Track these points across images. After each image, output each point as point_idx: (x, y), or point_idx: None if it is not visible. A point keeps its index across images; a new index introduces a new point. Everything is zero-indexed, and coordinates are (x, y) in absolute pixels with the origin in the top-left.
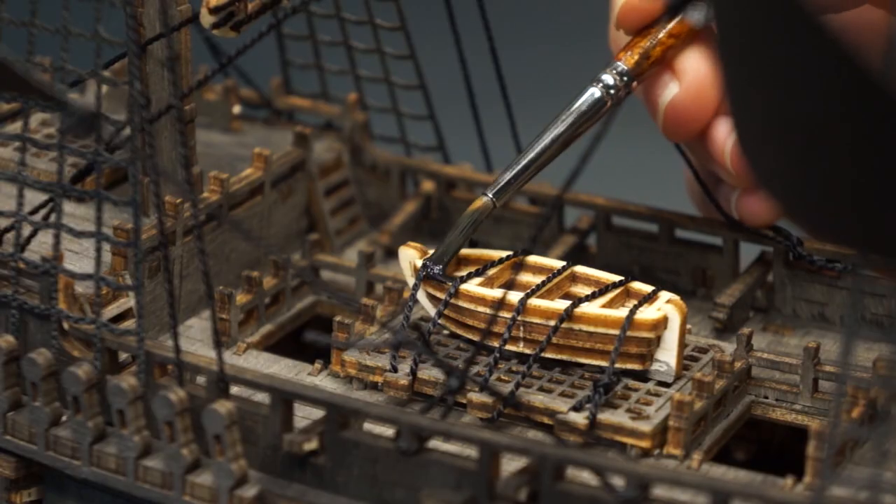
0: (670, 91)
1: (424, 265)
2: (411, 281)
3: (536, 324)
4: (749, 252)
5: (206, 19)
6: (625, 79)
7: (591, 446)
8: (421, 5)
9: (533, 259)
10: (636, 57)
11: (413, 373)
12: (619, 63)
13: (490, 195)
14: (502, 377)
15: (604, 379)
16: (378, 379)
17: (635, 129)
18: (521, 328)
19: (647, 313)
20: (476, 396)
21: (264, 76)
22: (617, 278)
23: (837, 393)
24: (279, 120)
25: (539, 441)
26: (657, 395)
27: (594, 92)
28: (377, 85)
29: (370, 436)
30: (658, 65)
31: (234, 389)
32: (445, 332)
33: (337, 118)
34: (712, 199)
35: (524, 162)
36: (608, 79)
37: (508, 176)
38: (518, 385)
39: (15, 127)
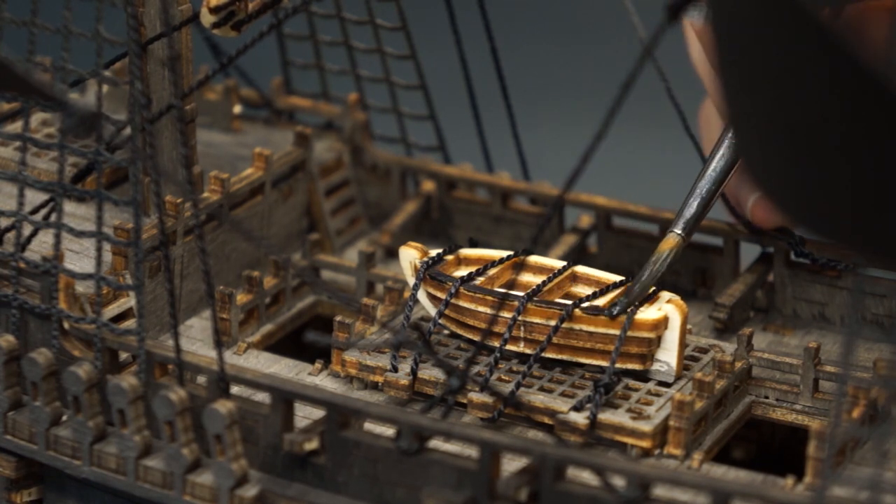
0: None
1: (614, 306)
2: (412, 281)
3: (537, 324)
4: (749, 252)
5: (207, 19)
6: None
7: (591, 446)
8: (421, 5)
9: (533, 259)
10: None
11: (413, 373)
12: None
13: (678, 231)
14: (503, 377)
15: (604, 379)
16: (378, 379)
17: (636, 130)
18: (522, 328)
19: (647, 313)
20: (476, 396)
21: (265, 76)
22: (618, 278)
23: (838, 393)
24: (280, 120)
25: (539, 441)
26: (658, 395)
27: None
28: (378, 85)
29: (371, 436)
30: None
31: (235, 389)
32: (446, 331)
33: (337, 118)
34: (735, 212)
35: (703, 193)
36: None
37: (693, 210)
38: (518, 385)
39: (15, 126)
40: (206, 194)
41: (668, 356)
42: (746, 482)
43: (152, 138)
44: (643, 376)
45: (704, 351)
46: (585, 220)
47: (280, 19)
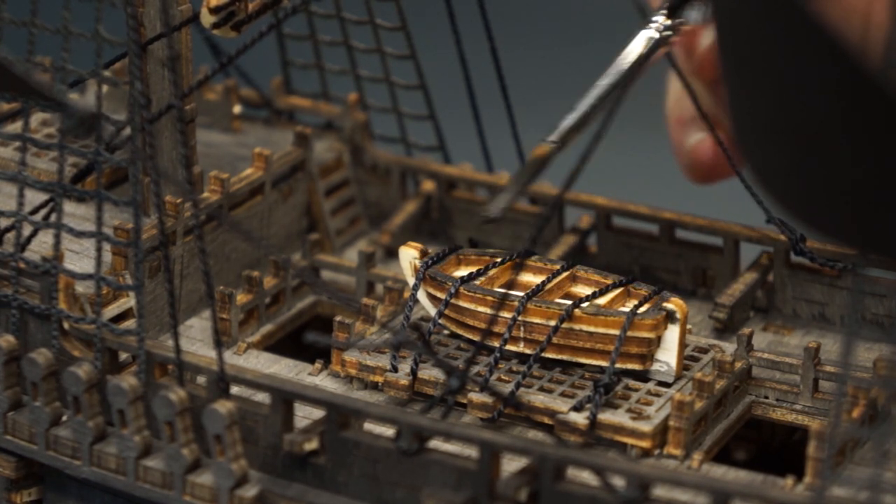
0: (711, 33)
1: (488, 217)
2: (411, 281)
3: (537, 324)
4: (749, 252)
5: (207, 19)
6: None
7: (591, 446)
8: (421, 5)
9: (533, 259)
10: None
11: (413, 373)
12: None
13: (552, 140)
14: (503, 377)
15: (604, 379)
16: (378, 379)
17: (635, 130)
18: (522, 328)
19: (647, 313)
20: (476, 396)
21: (265, 76)
22: (618, 278)
23: (838, 393)
24: (280, 120)
25: (539, 441)
26: (657, 395)
27: (647, 34)
28: (378, 85)
29: (370, 436)
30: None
31: (235, 389)
32: (446, 332)
33: (337, 118)
34: (783, 226)
35: (582, 108)
36: (660, 20)
37: (568, 122)
38: (518, 385)
39: (15, 127)
40: (206, 194)
41: (668, 356)
42: (746, 482)
43: (152, 138)
44: (643, 376)
45: (704, 351)
46: (585, 220)
47: (280, 19)
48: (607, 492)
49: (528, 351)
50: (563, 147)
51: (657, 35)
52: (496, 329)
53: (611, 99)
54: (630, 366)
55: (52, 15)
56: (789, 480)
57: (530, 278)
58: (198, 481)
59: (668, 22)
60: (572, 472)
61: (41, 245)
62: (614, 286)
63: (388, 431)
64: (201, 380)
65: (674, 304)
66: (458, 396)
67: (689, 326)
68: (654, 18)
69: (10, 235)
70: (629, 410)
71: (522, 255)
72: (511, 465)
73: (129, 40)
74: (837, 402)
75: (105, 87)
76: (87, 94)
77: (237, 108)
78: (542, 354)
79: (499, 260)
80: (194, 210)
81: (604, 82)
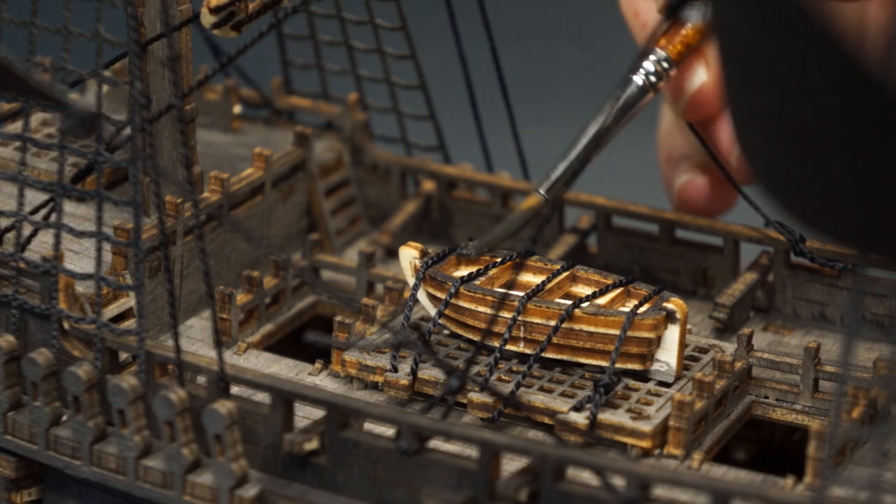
0: (699, 77)
1: (465, 253)
2: (411, 281)
3: (537, 324)
4: (749, 252)
5: (207, 19)
6: (665, 66)
7: (591, 446)
8: (421, 5)
9: (533, 259)
10: (678, 45)
11: (413, 373)
12: (658, 50)
13: (542, 192)
14: (503, 377)
15: (604, 379)
16: (378, 379)
17: (635, 130)
18: (522, 328)
19: (647, 313)
20: (476, 396)
21: (265, 76)
22: (617, 278)
23: (838, 393)
24: (280, 120)
25: (539, 441)
26: (658, 395)
27: (636, 80)
28: (378, 85)
29: (370, 436)
30: (694, 51)
31: (235, 389)
32: (446, 331)
33: (337, 118)
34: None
35: (572, 156)
36: (649, 66)
37: (558, 172)
38: (518, 385)
39: (15, 127)
40: (206, 194)
41: (668, 356)
42: (746, 482)
43: (152, 138)
44: (643, 376)
45: (704, 351)
46: (585, 220)
47: (280, 19)
48: (607, 492)
49: (528, 351)
50: (553, 200)
51: (642, 82)
52: (496, 329)
53: (602, 134)
54: (630, 366)
55: (52, 15)
56: (789, 480)
57: (530, 278)
58: (198, 481)
59: (655, 70)
60: (572, 472)
61: (41, 245)
62: (614, 286)
63: (388, 431)
64: (201, 380)
65: (674, 304)
66: (458, 396)
67: (689, 326)
68: (644, 64)
69: (10, 235)
70: (629, 410)
71: (522, 255)
72: (511, 465)
73: (129, 40)
74: (837, 402)
75: (105, 87)
76: (87, 94)
77: (237, 108)
78: (542, 354)
79: (499, 260)
80: (194, 210)
81: (592, 130)
